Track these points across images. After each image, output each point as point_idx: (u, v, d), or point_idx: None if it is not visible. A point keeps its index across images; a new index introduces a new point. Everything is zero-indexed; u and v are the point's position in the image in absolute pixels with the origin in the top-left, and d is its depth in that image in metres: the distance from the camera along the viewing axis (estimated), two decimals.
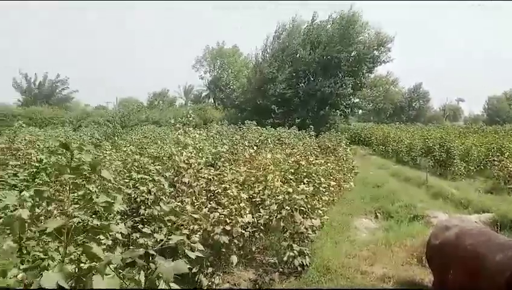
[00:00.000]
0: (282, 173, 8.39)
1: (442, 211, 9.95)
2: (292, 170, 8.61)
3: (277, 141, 16.11)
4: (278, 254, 6.80)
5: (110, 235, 3.42)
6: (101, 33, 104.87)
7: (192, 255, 1.93)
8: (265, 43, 38.09)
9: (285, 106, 34.96)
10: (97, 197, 2.30)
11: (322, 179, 8.23)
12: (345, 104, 35.91)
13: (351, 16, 34.50)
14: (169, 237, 1.91)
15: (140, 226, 5.95)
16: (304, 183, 7.28)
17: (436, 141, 18.34)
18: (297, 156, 9.94)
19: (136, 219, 6.33)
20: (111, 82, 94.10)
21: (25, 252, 3.28)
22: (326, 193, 8.19)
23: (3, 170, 8.04)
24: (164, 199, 6.52)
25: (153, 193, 6.59)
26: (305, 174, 8.40)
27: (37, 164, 8.19)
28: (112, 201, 2.14)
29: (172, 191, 6.89)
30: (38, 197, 2.14)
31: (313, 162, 9.31)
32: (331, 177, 9.67)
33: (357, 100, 38.77)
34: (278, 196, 6.76)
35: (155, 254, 1.81)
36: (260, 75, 35.67)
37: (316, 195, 7.37)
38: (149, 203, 6.51)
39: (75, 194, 3.07)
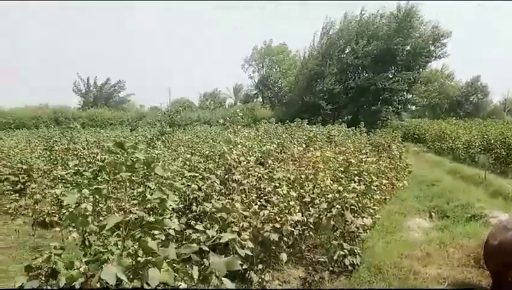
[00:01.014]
0: (332, 171, 8.31)
1: (501, 211, 9.40)
2: (342, 168, 8.50)
3: (326, 139, 15.93)
4: (328, 252, 6.76)
5: (164, 230, 3.58)
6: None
7: (243, 252, 1.97)
8: (312, 40, 37.81)
9: (334, 103, 34.36)
10: (151, 195, 2.42)
11: (373, 177, 8.06)
12: (398, 99, 34.78)
13: (408, 9, 33.33)
14: (220, 235, 1.97)
15: (193, 222, 6.15)
16: (355, 182, 7.17)
17: (496, 137, 17.23)
18: (348, 154, 9.79)
19: (189, 215, 6.53)
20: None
21: (87, 245, 3.51)
22: (378, 191, 8.00)
23: (64, 169, 8.59)
24: (215, 196, 6.67)
25: (203, 191, 6.76)
26: (356, 172, 8.25)
27: (100, 163, 8.62)
28: (165, 198, 2.23)
29: (222, 189, 7.03)
30: (97, 194, 2.27)
31: (364, 160, 9.13)
32: (383, 176, 9.45)
33: (411, 96, 37.39)
34: (327, 194, 6.71)
35: (209, 250, 1.88)
36: (308, 71, 35.38)
37: (368, 194, 7.23)
38: (200, 201, 6.69)
39: (134, 191, 3.22)
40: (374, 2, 64.01)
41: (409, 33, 32.87)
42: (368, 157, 9.85)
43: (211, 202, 6.38)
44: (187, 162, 7.98)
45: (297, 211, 6.23)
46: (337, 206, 6.39)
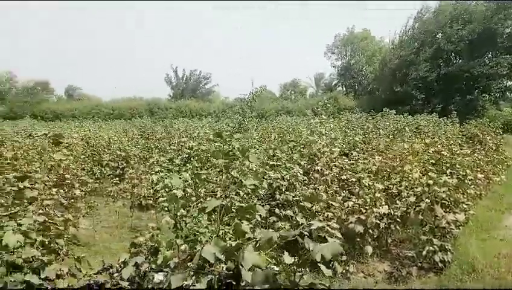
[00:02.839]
0: (421, 163, 7.94)
1: None
2: (432, 161, 8.09)
3: (415, 130, 15.19)
4: (416, 247, 6.50)
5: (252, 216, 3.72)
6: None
7: (332, 241, 2.00)
8: (405, 25, 35.84)
9: (425, 91, 32.35)
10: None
11: (467, 170, 7.57)
12: (496, 87, 31.73)
13: None
14: (310, 222, 2.02)
15: (276, 210, 6.29)
16: (447, 175, 6.79)
17: None
18: (439, 146, 9.28)
19: (272, 203, 6.69)
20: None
21: (179, 227, 3.77)
22: (472, 186, 7.51)
23: (162, 156, 9.23)
24: (298, 186, 6.74)
25: (286, 180, 6.86)
26: (448, 165, 7.80)
27: (188, 151, 9.19)
28: (258, 185, 2.34)
29: (305, 179, 7.08)
30: (197, 179, 2.45)
31: (457, 152, 8.59)
32: (478, 169, 8.82)
33: (511, 83, 33.82)
34: (416, 187, 6.45)
35: (308, 235, 1.93)
36: (398, 58, 33.67)
37: (460, 188, 6.81)
38: (283, 190, 6.81)
39: (224, 177, 3.39)
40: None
41: (510, 14, 29.67)
42: (461, 149, 9.26)
43: (293, 192, 6.50)
44: (270, 152, 8.13)
45: (383, 203, 6.09)
46: (427, 200, 6.12)
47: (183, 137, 12.01)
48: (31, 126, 21.33)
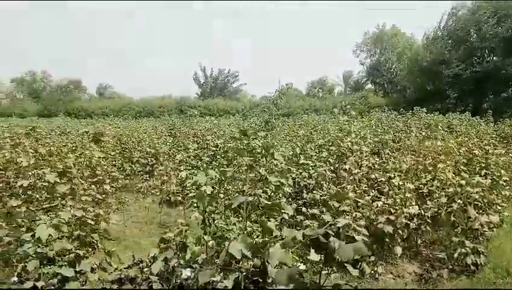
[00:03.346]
0: (453, 163, 7.73)
1: None
2: (465, 160, 7.86)
3: (446, 128, 14.80)
4: (447, 249, 6.33)
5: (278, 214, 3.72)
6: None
7: (359, 238, 1.98)
8: (439, 21, 34.89)
9: (458, 90, 31.44)
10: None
11: (502, 171, 7.32)
12: None
13: None
14: (337, 220, 2.00)
15: (303, 209, 6.27)
16: (480, 176, 6.58)
17: None
18: (471, 145, 9.01)
19: (299, 202, 6.66)
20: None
21: (207, 224, 3.81)
22: (508, 187, 7.24)
23: (188, 154, 9.35)
24: (325, 185, 6.69)
25: (314, 178, 6.82)
26: (481, 165, 7.56)
27: (214, 148, 9.28)
28: (283, 182, 2.34)
29: (333, 178, 7.01)
30: (223, 176, 2.47)
31: (491, 151, 8.32)
32: None
33: None
34: (448, 187, 6.28)
35: (333, 234, 1.92)
36: (431, 55, 32.82)
37: (495, 189, 6.58)
38: (310, 189, 6.77)
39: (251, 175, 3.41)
40: None
41: None
42: (495, 149, 8.96)
43: (321, 190, 6.45)
44: (296, 150, 8.10)
45: (413, 203, 5.96)
46: (459, 200, 5.95)
47: (208, 135, 12.13)
48: (64, 123, 21.99)
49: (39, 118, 35.22)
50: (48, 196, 4.82)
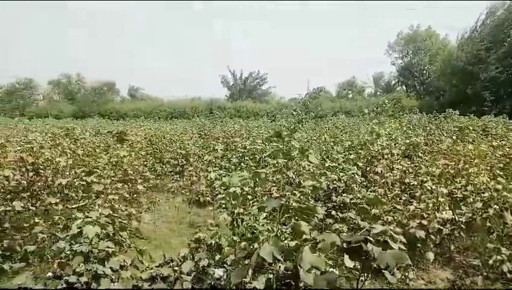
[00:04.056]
0: (489, 167, 7.48)
1: None
2: (501, 165, 7.60)
3: (481, 131, 14.33)
4: (481, 256, 6.14)
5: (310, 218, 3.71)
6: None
7: (395, 246, 1.95)
8: (475, 21, 33.84)
9: (495, 92, 30.36)
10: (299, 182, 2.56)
11: None
12: None
13: None
14: (373, 226, 1.98)
15: (333, 212, 6.22)
16: None
17: None
18: (508, 149, 8.69)
19: (328, 205, 6.61)
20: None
21: (235, 225, 3.84)
22: None
23: (215, 154, 9.44)
24: (355, 188, 6.62)
25: (343, 181, 6.75)
26: None
27: (242, 150, 9.33)
28: (318, 185, 2.34)
29: (363, 181, 6.93)
30: (257, 178, 2.48)
31: None
32: None
33: None
34: (483, 192, 6.09)
35: (372, 240, 1.90)
36: (467, 55, 31.84)
37: None
38: (340, 192, 6.71)
39: (281, 177, 3.41)
40: None
41: None
42: None
43: (351, 194, 6.39)
44: (326, 152, 8.05)
45: (446, 208, 5.82)
46: (495, 206, 5.76)
47: (237, 137, 12.23)
48: (98, 124, 22.63)
49: (74, 119, 36.36)
50: (84, 195, 4.98)
